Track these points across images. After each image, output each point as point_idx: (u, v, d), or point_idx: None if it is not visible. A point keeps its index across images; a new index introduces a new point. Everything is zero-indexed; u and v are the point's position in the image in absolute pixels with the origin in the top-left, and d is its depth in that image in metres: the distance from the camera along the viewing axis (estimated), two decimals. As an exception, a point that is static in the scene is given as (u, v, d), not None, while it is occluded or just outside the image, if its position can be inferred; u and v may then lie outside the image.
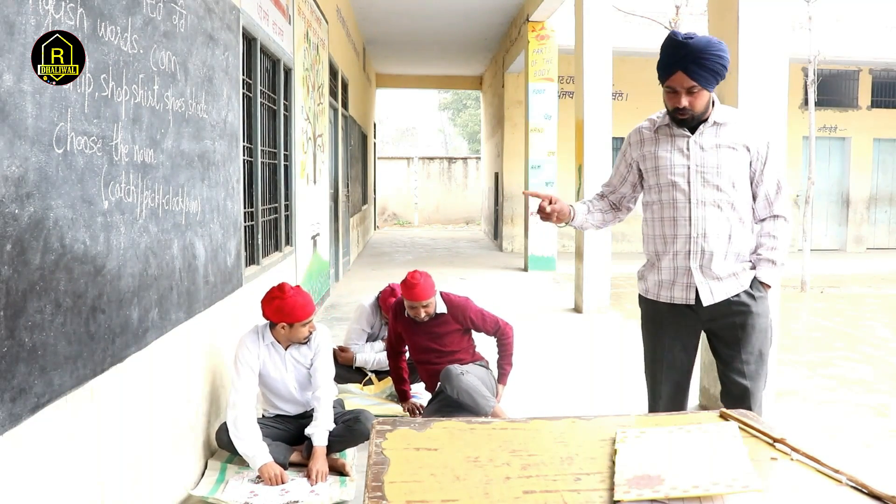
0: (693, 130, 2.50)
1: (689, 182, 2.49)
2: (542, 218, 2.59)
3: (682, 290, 2.54)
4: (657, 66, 2.45)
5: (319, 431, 3.17)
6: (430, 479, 1.45)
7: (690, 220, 2.49)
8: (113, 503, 2.22)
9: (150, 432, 2.54)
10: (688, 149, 2.49)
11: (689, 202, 2.49)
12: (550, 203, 2.55)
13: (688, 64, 2.34)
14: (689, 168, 2.49)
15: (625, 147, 2.72)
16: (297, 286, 3.27)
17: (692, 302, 2.53)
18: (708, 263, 2.49)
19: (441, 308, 3.83)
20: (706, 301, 2.51)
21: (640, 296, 2.73)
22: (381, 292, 4.59)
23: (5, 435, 1.62)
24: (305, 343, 3.27)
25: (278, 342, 3.25)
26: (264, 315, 3.22)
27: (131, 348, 2.31)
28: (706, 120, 2.49)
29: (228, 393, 3.25)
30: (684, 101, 2.41)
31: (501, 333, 3.87)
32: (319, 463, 3.10)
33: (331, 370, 3.35)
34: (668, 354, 2.62)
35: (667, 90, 2.45)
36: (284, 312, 3.14)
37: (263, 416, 3.42)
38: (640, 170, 2.67)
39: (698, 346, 2.65)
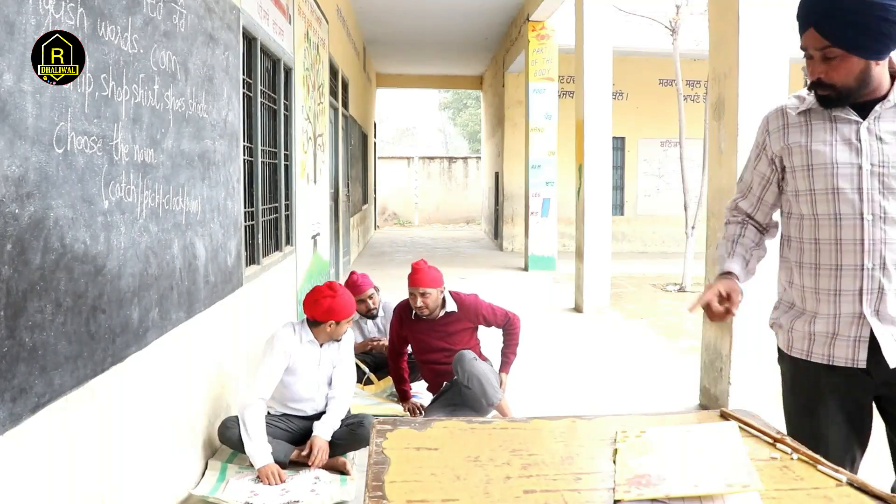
0: (865, 113, 1.77)
1: (859, 188, 1.75)
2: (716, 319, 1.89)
3: (847, 346, 1.78)
4: None
5: (327, 425, 3.21)
6: (430, 479, 1.45)
7: (863, 243, 1.75)
8: (113, 502, 2.22)
9: (150, 432, 2.54)
10: (858, 139, 1.77)
11: (861, 218, 1.75)
12: (721, 300, 1.85)
13: (819, 18, 1.69)
14: (860, 169, 1.75)
15: (761, 136, 1.95)
16: (342, 284, 3.37)
17: (863, 364, 1.77)
18: (886, 308, 1.75)
19: (451, 307, 3.81)
20: (893, 362, 1.74)
21: (779, 350, 1.97)
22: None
23: (6, 434, 1.62)
24: (339, 340, 3.33)
25: (317, 339, 3.28)
26: (311, 316, 3.24)
27: (131, 348, 2.32)
28: (884, 98, 1.76)
29: (246, 387, 3.26)
30: (819, 70, 1.74)
31: (510, 324, 3.88)
32: (321, 442, 3.15)
33: (353, 373, 3.40)
34: (831, 432, 1.85)
35: (805, 56, 1.79)
36: (336, 311, 3.19)
37: (269, 413, 3.42)
38: (782, 168, 1.92)
39: (872, 417, 1.88)
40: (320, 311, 3.20)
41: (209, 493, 2.92)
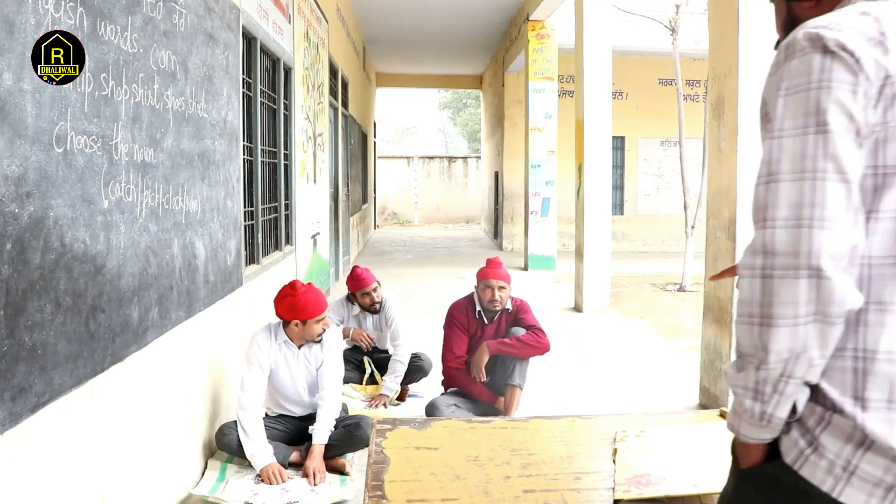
0: None
1: None
2: None
3: None
4: None
5: (320, 430, 3.17)
6: (430, 479, 1.45)
7: None
8: (113, 502, 2.22)
9: (150, 431, 2.54)
10: None
11: None
12: None
13: None
14: None
15: (842, 99, 0.98)
16: (310, 284, 3.31)
17: None
18: None
19: (508, 304, 3.82)
20: None
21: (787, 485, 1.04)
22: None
23: (5, 434, 1.62)
24: (319, 342, 3.28)
25: (291, 341, 3.27)
26: (277, 314, 3.24)
27: (131, 347, 2.32)
28: None
29: (237, 391, 3.25)
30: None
31: (537, 333, 3.69)
32: (316, 461, 3.10)
33: (339, 372, 3.37)
34: None
35: None
36: (297, 309, 3.17)
37: (266, 414, 3.42)
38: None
39: None
40: (283, 308, 3.20)
41: (209, 492, 2.92)
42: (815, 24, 1.02)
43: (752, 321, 1.00)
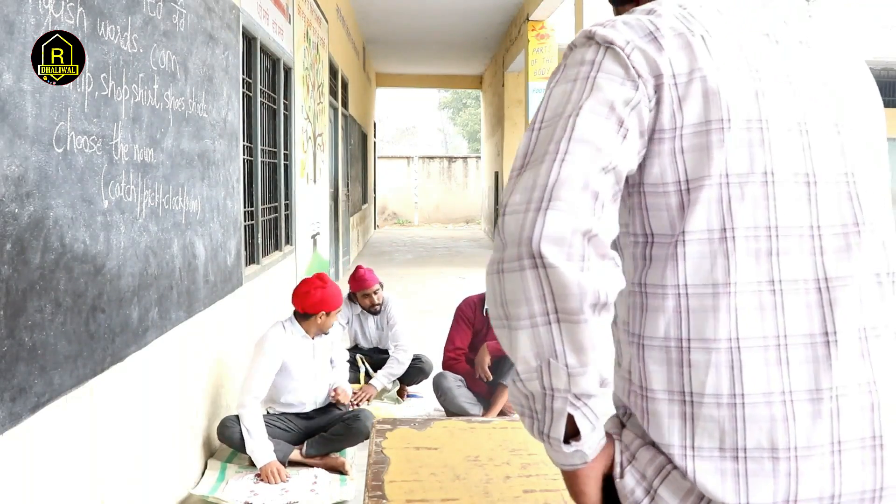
0: None
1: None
2: None
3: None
4: None
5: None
6: (430, 479, 1.46)
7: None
8: (113, 502, 2.22)
9: (150, 431, 2.54)
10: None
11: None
12: None
13: None
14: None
15: (604, 86, 0.88)
16: (328, 276, 3.59)
17: None
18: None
19: None
20: None
21: None
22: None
23: (5, 434, 1.62)
24: (327, 333, 3.44)
25: (307, 334, 3.34)
26: (301, 308, 3.30)
27: (131, 347, 2.32)
28: None
29: (240, 387, 3.27)
30: None
31: None
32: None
33: (345, 353, 3.81)
34: None
35: None
36: (326, 301, 3.28)
37: (268, 412, 3.43)
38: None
39: None
40: (310, 302, 3.26)
41: (209, 492, 2.92)
42: (594, 24, 0.95)
43: (500, 324, 0.87)
